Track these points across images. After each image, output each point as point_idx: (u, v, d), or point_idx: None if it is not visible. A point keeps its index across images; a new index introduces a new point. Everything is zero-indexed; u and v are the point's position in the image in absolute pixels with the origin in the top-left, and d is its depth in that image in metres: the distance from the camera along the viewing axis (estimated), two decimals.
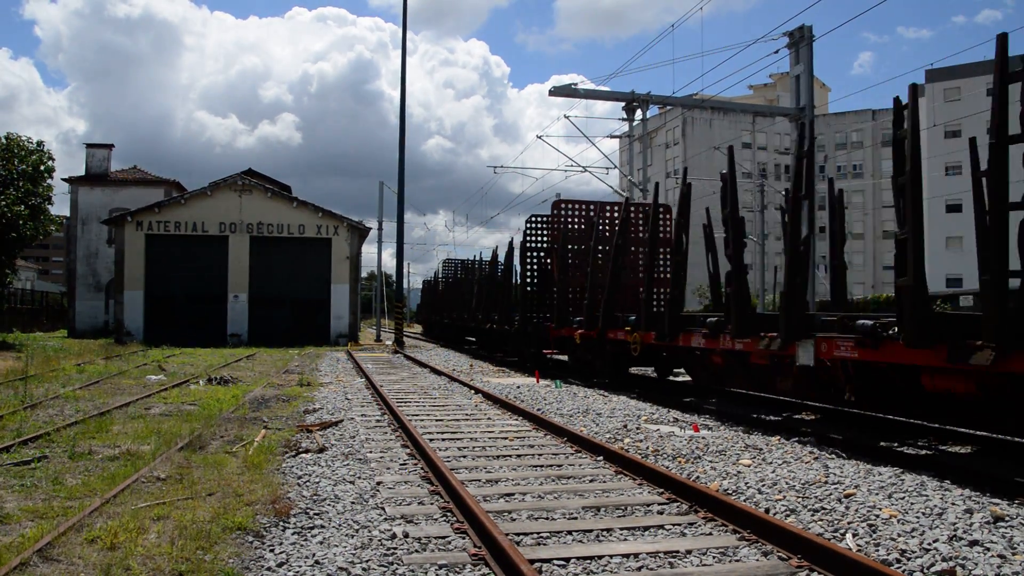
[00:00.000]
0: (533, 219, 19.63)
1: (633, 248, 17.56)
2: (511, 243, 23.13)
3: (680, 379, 15.97)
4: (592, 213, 18.10)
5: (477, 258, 31.15)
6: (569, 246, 17.98)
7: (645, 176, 26.69)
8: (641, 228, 17.84)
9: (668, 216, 17.78)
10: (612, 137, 33.82)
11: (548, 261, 18.82)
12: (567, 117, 28.42)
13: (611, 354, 14.48)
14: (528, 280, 19.28)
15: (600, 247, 16.48)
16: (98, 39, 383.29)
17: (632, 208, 17.98)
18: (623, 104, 25.12)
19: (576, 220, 18.33)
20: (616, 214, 17.50)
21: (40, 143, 30.28)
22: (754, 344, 9.66)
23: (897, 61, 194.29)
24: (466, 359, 24.67)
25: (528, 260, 19.35)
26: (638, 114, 25.14)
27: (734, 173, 10.60)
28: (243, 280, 34.08)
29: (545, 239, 19.33)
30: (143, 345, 29.53)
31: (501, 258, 24.32)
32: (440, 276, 42.46)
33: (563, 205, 18.53)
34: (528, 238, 19.45)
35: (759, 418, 10.41)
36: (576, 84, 24.29)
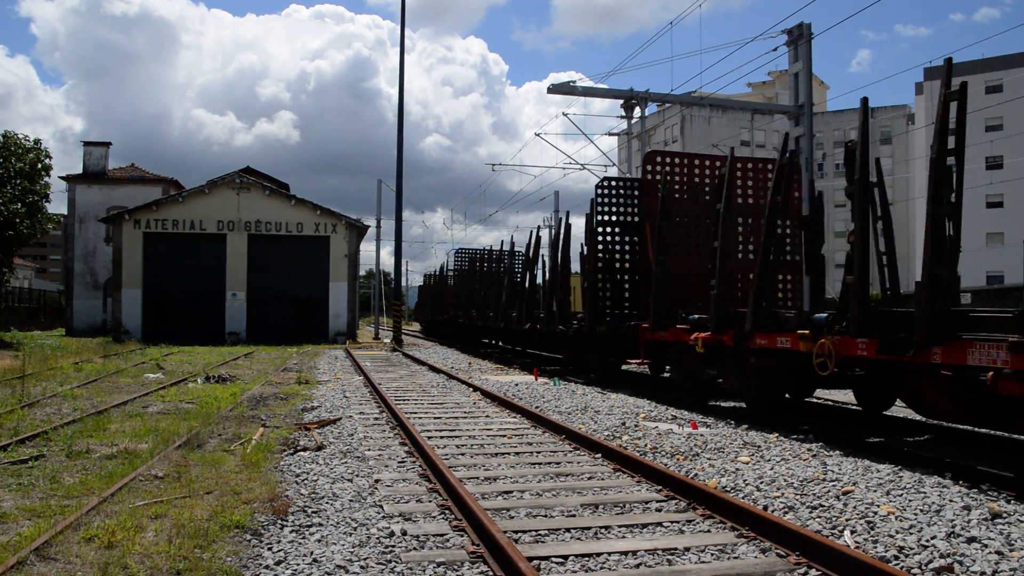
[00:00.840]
0: (607, 183, 14.97)
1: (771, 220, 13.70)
2: (566, 219, 18.02)
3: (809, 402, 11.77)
4: (706, 169, 13.87)
5: (500, 246, 25.94)
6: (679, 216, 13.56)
7: None
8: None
9: (797, 178, 13.65)
10: (611, 135, 33.75)
11: (629, 239, 14.94)
12: (566, 115, 28.40)
13: (759, 371, 9.89)
14: (600, 266, 14.83)
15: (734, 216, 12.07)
16: (95, 37, 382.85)
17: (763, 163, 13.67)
18: (621, 102, 25.04)
19: (679, 180, 13.72)
20: (750, 172, 13.48)
21: (37, 141, 30.29)
22: None
23: (895, 59, 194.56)
24: (465, 357, 24.66)
25: (601, 240, 14.81)
26: (636, 112, 25.07)
27: None
28: (241, 278, 34.08)
29: (629, 210, 14.96)
30: (141, 343, 29.51)
31: (543, 243, 20.22)
32: (450, 269, 36.94)
33: (659, 158, 13.82)
34: (601, 210, 14.79)
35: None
36: (574, 82, 24.24)
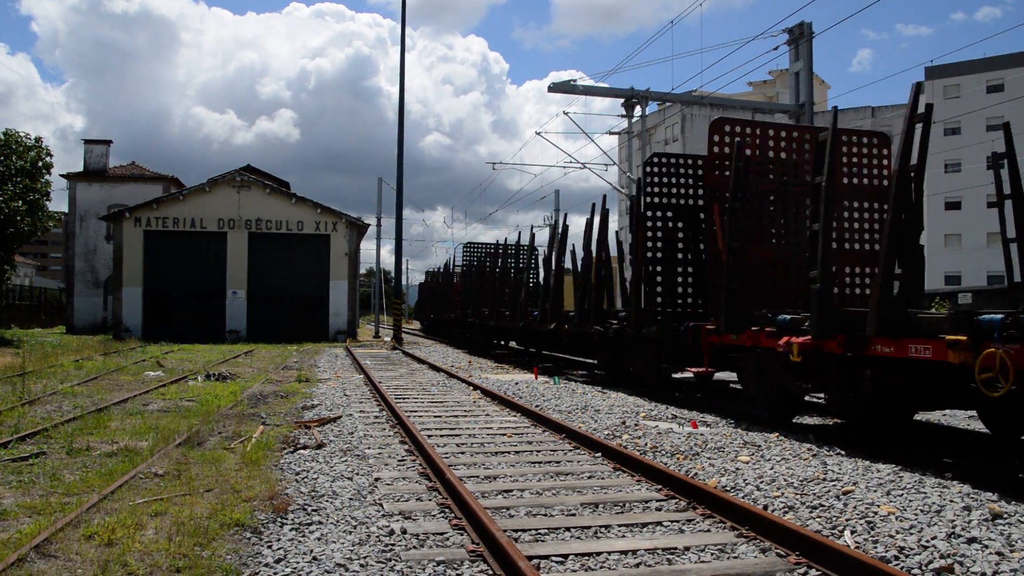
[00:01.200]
0: (658, 160, 12.93)
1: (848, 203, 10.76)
2: (603, 204, 15.62)
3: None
4: (782, 141, 11.41)
5: (518, 239, 24.03)
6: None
7: None
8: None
9: (886, 149, 11.32)
10: (611, 134, 33.73)
11: (684, 224, 12.99)
12: (566, 114, 28.40)
13: (879, 386, 7.88)
14: (651, 256, 12.83)
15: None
16: (95, 35, 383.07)
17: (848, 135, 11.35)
18: (622, 100, 25.06)
19: (751, 155, 11.10)
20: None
21: (38, 139, 30.33)
22: None
23: (896, 58, 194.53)
24: (464, 356, 24.66)
25: (652, 226, 12.83)
26: (637, 110, 25.08)
27: None
28: (242, 276, 34.09)
29: (685, 191, 12.96)
30: (142, 341, 29.52)
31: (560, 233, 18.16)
32: (457, 265, 34.87)
33: (727, 127, 11.36)
34: (650, 191, 12.79)
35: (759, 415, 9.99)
36: (575, 80, 24.23)
